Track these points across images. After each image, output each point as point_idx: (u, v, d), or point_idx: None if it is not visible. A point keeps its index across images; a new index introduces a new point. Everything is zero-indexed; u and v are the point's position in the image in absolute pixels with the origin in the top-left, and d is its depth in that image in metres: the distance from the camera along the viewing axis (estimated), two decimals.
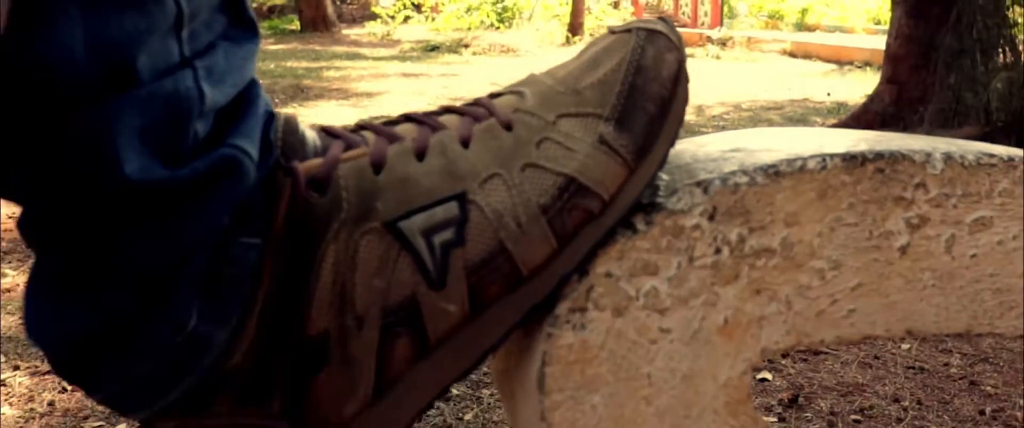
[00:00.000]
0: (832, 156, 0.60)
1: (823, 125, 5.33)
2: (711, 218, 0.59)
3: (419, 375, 0.55)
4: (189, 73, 0.48)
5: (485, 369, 1.66)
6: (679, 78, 0.60)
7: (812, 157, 0.60)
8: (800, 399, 1.85)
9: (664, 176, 0.61)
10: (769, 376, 1.95)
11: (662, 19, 0.63)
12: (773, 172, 0.59)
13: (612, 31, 0.63)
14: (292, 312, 0.51)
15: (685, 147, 0.66)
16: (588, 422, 0.58)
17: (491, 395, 1.82)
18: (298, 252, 0.51)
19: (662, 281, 0.58)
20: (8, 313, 2.09)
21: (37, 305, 0.51)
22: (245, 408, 0.52)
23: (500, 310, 0.55)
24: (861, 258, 0.61)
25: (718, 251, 0.59)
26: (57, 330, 0.50)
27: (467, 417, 1.71)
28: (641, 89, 0.58)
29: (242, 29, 0.54)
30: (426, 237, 0.53)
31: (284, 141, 0.54)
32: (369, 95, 6.72)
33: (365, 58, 9.73)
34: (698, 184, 0.59)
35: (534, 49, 10.59)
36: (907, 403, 1.84)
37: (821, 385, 1.90)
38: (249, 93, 0.53)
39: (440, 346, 0.54)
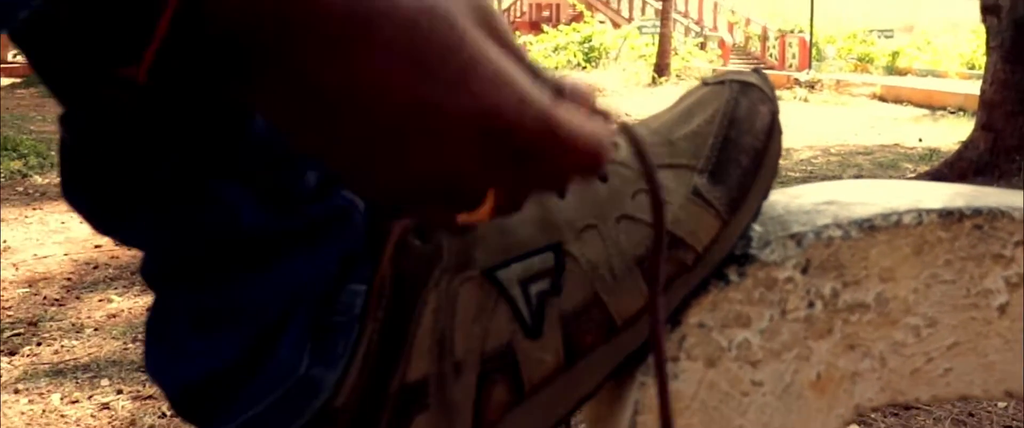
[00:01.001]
0: (928, 211, 0.60)
1: (915, 172, 5.23)
2: (804, 271, 0.59)
3: (515, 421, 0.55)
4: None
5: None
6: (772, 130, 0.61)
7: (908, 212, 0.60)
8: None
9: (757, 227, 0.61)
10: None
11: (756, 71, 0.64)
12: (868, 226, 0.59)
13: (706, 83, 0.63)
14: (394, 357, 0.53)
15: (777, 198, 0.66)
16: None
17: None
18: (400, 298, 0.53)
19: (754, 333, 0.59)
20: (113, 338, 2.15)
21: (157, 346, 0.53)
22: None
23: (594, 359, 0.56)
24: (958, 316, 0.61)
25: (811, 305, 0.59)
26: (176, 371, 0.52)
27: None
28: (735, 141, 0.59)
29: None
30: (523, 286, 0.54)
31: None
32: None
33: None
34: (792, 237, 0.59)
35: (620, 89, 10.58)
36: None
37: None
38: None
39: (535, 393, 0.55)
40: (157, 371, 0.53)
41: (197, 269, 0.51)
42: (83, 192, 0.50)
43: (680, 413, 0.58)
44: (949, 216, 0.60)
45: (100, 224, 0.51)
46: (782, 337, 0.59)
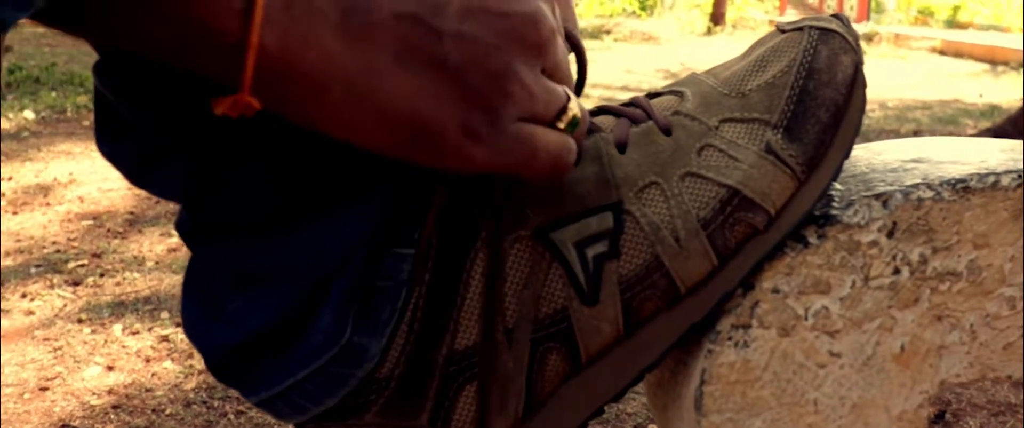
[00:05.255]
0: None
1: (975, 128, 5.11)
2: (890, 235, 0.54)
3: (572, 392, 0.52)
4: None
5: None
6: (855, 82, 0.56)
7: (1006, 173, 0.55)
8: (947, 416, 1.76)
9: (838, 186, 0.56)
10: None
11: (837, 16, 0.59)
12: (962, 188, 0.54)
13: (781, 29, 0.58)
14: (441, 323, 0.49)
15: (860, 154, 0.61)
16: None
17: None
18: (447, 261, 0.49)
19: (834, 301, 0.54)
20: (173, 272, 2.16)
21: (193, 305, 0.50)
22: (392, 419, 0.50)
23: (656, 328, 0.52)
24: None
25: (897, 271, 0.54)
26: (213, 332, 0.49)
27: None
28: (813, 94, 0.54)
29: None
30: (578, 249, 0.50)
31: None
32: None
33: None
34: (877, 197, 0.54)
35: (675, 38, 10.45)
36: None
37: (970, 402, 1.81)
38: None
39: (593, 363, 0.51)
40: (194, 331, 0.50)
41: (234, 227, 0.47)
42: (118, 143, 0.48)
43: (750, 384, 0.54)
44: None
45: (134, 176, 0.48)
46: (864, 305, 0.54)
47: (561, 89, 0.45)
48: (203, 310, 0.50)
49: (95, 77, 0.46)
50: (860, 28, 11.21)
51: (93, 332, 1.84)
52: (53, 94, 4.47)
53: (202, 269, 0.51)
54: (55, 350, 1.75)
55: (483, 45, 0.41)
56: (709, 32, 11.16)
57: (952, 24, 14.43)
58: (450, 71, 0.41)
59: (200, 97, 0.44)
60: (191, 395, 1.58)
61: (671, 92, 0.57)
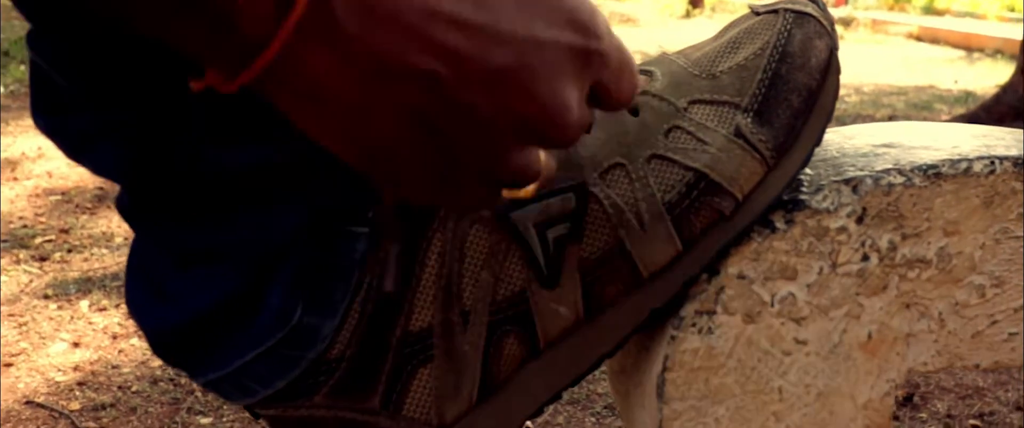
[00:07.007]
0: (1002, 159, 0.54)
1: (949, 114, 5.13)
2: (859, 221, 0.53)
3: (528, 377, 0.51)
4: None
5: None
6: (829, 68, 0.54)
7: (979, 159, 0.54)
8: (915, 399, 1.77)
9: (808, 170, 0.55)
10: None
11: None
12: (933, 173, 0.53)
13: (756, 12, 0.57)
14: (396, 303, 0.48)
15: (831, 138, 0.60)
16: None
17: None
18: (404, 239, 0.48)
19: (801, 287, 0.53)
20: None
21: (137, 283, 0.49)
22: (342, 401, 0.49)
23: (617, 313, 0.51)
24: None
25: (865, 258, 0.53)
26: (157, 312, 0.48)
27: None
28: (785, 78, 0.53)
29: None
30: (539, 230, 0.49)
31: None
32: None
33: None
34: (846, 182, 0.53)
35: (654, 20, 10.43)
36: None
37: (938, 386, 1.82)
38: None
39: (551, 348, 0.50)
40: (137, 311, 0.49)
41: (176, 207, 0.46)
42: (53, 117, 0.46)
43: (714, 371, 0.53)
44: None
45: (71, 151, 0.46)
46: (831, 292, 0.53)
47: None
48: (146, 289, 0.48)
49: (29, 47, 0.44)
50: (838, 13, 11.24)
51: (59, 308, 1.82)
52: (22, 68, 4.42)
53: (145, 248, 0.49)
54: (20, 326, 1.73)
55: (479, 126, 0.35)
56: (688, 15, 11.14)
57: (929, 10, 14.49)
58: (438, 140, 0.36)
59: (141, 73, 0.43)
60: (158, 372, 1.56)
61: (641, 71, 0.55)
